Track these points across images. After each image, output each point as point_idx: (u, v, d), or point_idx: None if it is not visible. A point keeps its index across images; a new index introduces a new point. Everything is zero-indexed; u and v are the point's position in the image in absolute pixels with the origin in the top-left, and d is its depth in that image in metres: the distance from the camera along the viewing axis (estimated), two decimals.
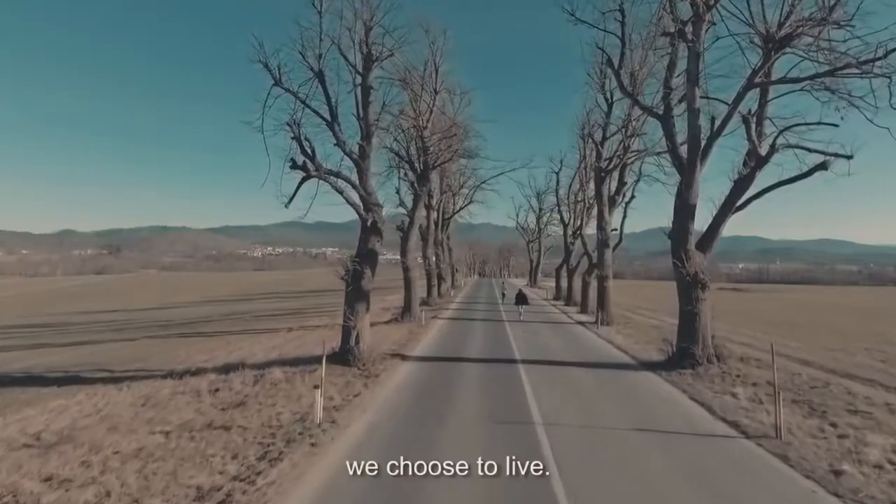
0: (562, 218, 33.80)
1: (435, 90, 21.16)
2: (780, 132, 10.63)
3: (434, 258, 31.62)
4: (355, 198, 12.79)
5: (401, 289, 32.15)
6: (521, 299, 22.86)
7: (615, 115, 21.76)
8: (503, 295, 34.76)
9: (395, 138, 21.90)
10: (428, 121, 20.93)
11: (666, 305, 37.84)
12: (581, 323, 21.56)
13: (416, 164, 21.48)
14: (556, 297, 36.95)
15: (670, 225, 12.36)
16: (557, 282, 38.14)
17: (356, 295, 12.32)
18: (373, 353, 12.23)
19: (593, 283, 26.92)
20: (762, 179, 11.64)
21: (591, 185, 29.99)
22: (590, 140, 23.82)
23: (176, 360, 15.25)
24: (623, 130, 21.04)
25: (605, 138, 21.99)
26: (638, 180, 24.32)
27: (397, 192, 28.45)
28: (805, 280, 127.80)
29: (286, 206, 12.45)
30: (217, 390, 10.33)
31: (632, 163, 22.00)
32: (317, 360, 12.67)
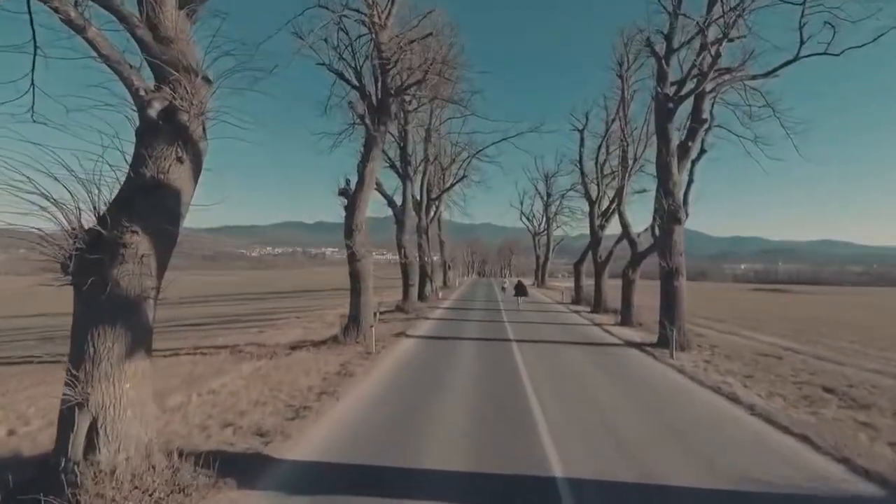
0: (587, 192, 25.33)
1: None
2: None
3: (416, 249, 23.56)
4: (126, 53, 4.79)
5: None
6: (521, 290, 23.58)
7: (684, 21, 13.74)
8: (503, 289, 33.36)
9: (341, 55, 14.01)
10: (387, 17, 12.93)
11: (723, 312, 28.60)
12: (633, 344, 13.51)
13: (372, 90, 13.51)
14: (577, 301, 28.77)
15: None
16: (577, 281, 29.92)
17: (99, 312, 4.32)
18: (150, 477, 4.22)
19: (638, 283, 18.97)
20: None
21: (623, 151, 21.97)
22: (647, 54, 15.67)
23: None
24: (703, 35, 12.99)
25: (670, 51, 13.86)
26: (709, 128, 16.26)
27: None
28: (816, 281, 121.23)
29: None
30: None
31: (712, 91, 13.93)
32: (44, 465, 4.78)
